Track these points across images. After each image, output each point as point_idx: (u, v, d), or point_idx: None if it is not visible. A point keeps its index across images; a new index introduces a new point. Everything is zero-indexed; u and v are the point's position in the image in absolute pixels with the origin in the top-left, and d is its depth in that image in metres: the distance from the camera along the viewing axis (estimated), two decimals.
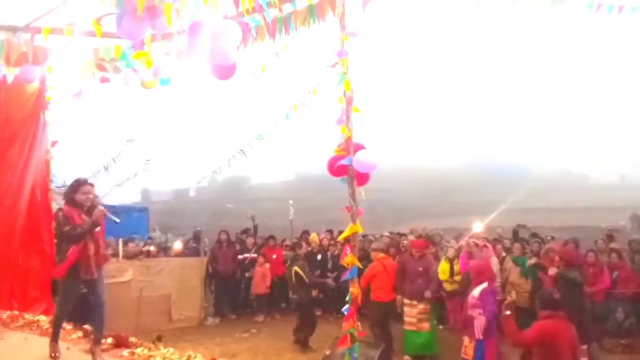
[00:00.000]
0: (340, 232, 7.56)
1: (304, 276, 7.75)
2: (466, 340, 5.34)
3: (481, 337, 5.18)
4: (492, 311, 5.20)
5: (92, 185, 4.95)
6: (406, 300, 7.06)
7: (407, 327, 7.01)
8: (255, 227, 12.26)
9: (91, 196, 4.80)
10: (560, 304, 4.07)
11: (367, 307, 6.84)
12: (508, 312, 4.26)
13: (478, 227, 10.97)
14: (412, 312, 7.00)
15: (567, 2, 4.82)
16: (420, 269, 7.10)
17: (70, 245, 4.71)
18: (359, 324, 4.42)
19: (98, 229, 4.83)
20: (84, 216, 4.76)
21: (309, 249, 10.05)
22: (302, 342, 7.60)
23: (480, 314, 5.21)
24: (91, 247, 4.74)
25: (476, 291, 5.29)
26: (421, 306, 6.98)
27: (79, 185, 4.84)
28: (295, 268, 7.76)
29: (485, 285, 5.37)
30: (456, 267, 8.09)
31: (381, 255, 7.40)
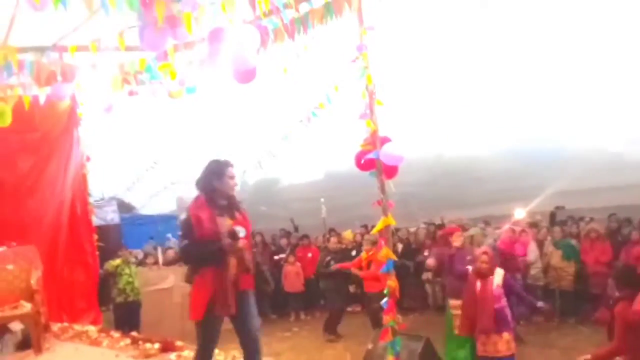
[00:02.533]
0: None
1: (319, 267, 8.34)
2: (506, 335, 4.80)
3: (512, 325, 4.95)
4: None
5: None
6: (454, 301, 5.73)
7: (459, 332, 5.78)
8: (296, 228, 12.59)
9: (236, 183, 3.61)
10: None
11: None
12: None
13: (520, 213, 10.77)
14: None
15: None
16: (469, 257, 5.91)
17: (197, 268, 3.50)
18: (399, 316, 4.40)
19: (242, 240, 3.44)
20: (220, 220, 3.43)
21: (343, 245, 10.07)
22: (331, 333, 7.84)
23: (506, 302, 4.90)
24: (230, 271, 3.42)
25: (499, 280, 4.95)
26: None
27: (225, 166, 3.56)
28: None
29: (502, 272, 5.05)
30: None
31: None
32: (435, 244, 9.31)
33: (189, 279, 3.60)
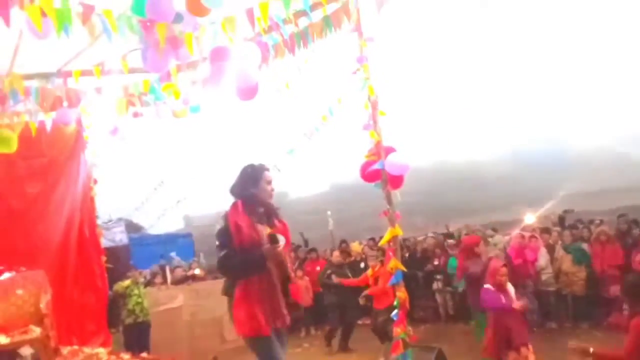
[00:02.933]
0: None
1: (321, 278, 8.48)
2: (530, 346, 4.78)
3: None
4: None
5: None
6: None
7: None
8: (306, 242, 12.62)
9: (273, 189, 3.45)
10: None
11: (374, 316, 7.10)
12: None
13: (530, 218, 10.69)
14: None
15: None
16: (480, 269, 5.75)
17: (237, 280, 3.26)
18: (410, 328, 4.35)
19: (282, 244, 3.23)
20: (259, 227, 3.26)
21: (351, 257, 10.05)
22: (341, 348, 7.90)
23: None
24: (277, 280, 3.31)
25: (513, 290, 4.91)
26: None
27: (261, 170, 3.41)
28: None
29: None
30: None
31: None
32: (445, 254, 9.28)
33: (227, 292, 3.42)
